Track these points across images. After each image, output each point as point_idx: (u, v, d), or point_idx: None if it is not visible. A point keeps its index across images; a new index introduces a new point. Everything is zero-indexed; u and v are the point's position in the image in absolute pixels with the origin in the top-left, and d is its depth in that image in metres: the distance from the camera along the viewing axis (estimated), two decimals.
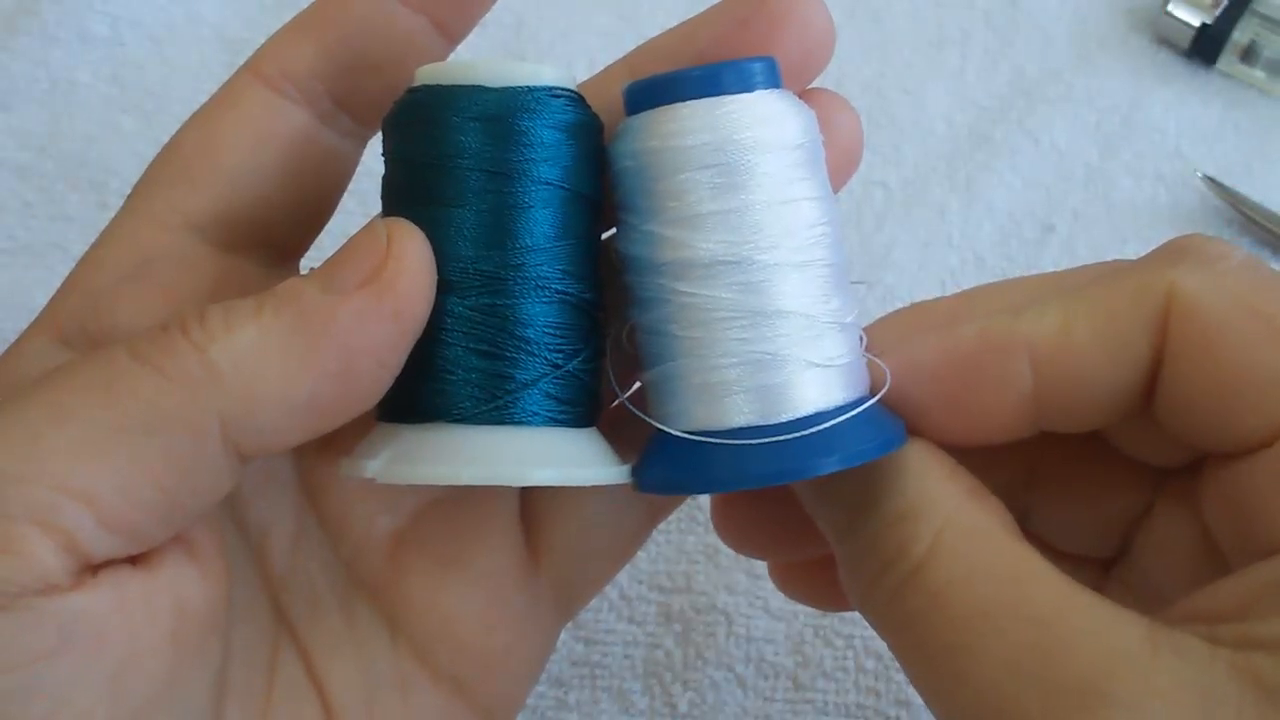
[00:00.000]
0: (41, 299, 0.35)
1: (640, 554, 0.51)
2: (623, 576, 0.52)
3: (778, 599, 0.49)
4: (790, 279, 0.31)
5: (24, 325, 0.34)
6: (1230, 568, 0.31)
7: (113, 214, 0.35)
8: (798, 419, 0.31)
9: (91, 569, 0.28)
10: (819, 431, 0.30)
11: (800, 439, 0.30)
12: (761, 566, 0.51)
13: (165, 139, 0.36)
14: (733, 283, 0.31)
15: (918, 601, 0.30)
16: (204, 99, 0.36)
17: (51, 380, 0.29)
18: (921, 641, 0.30)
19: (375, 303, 0.30)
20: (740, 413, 0.31)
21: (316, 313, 0.30)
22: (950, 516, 0.31)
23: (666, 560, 0.52)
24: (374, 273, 0.30)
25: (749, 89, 0.31)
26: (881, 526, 0.31)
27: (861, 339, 0.33)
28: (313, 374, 0.30)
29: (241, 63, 0.36)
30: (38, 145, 0.60)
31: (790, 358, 0.31)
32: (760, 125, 0.31)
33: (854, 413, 0.31)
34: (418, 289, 0.31)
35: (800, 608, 0.50)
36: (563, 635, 0.49)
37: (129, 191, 0.35)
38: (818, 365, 0.31)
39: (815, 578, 0.40)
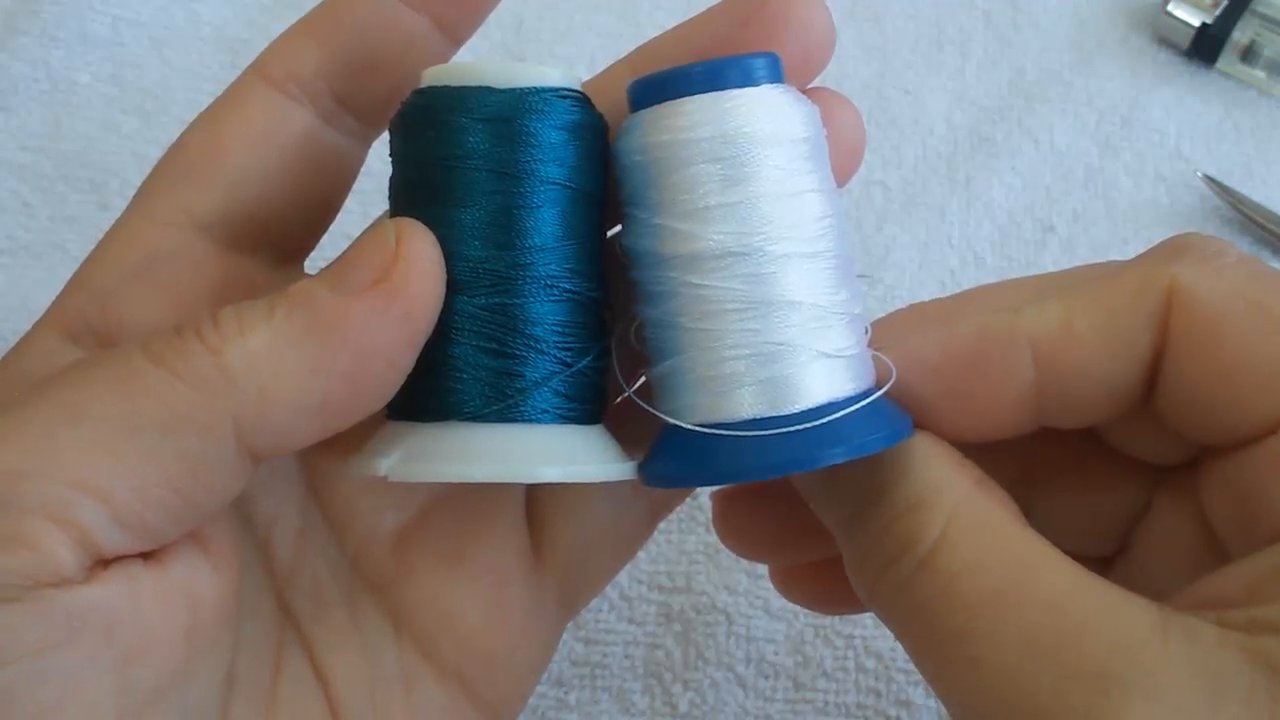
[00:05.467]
0: (41, 299, 0.35)
1: (640, 554, 0.51)
2: (623, 576, 0.52)
3: (778, 599, 0.49)
4: (799, 270, 0.31)
5: (23, 325, 0.35)
6: (1232, 560, 0.31)
7: (113, 214, 0.36)
8: (807, 410, 0.31)
9: (103, 563, 0.29)
10: (828, 422, 0.30)
11: (809, 430, 0.30)
12: (762, 566, 0.51)
13: (165, 139, 0.36)
14: (742, 274, 0.31)
15: (929, 590, 0.30)
16: (204, 99, 0.36)
17: (66, 379, 0.29)
18: (933, 629, 0.30)
19: (386, 304, 0.30)
20: (749, 404, 0.31)
21: (328, 314, 0.30)
22: (959, 505, 0.31)
23: (667, 560, 0.52)
24: (384, 273, 0.30)
25: (753, 84, 0.31)
26: (890, 517, 0.31)
27: (866, 331, 0.33)
28: (325, 375, 0.30)
29: (241, 63, 0.36)
30: (38, 145, 0.60)
31: (800, 348, 0.31)
32: (766, 119, 0.31)
33: (863, 403, 0.31)
34: (428, 289, 0.31)
35: (801, 608, 0.50)
36: (563, 635, 0.49)
37: (129, 191, 0.36)
38: (827, 356, 0.31)
39: (815, 580, 0.40)
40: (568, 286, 0.32)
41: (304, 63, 0.35)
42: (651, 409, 0.33)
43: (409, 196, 0.33)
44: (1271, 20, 0.61)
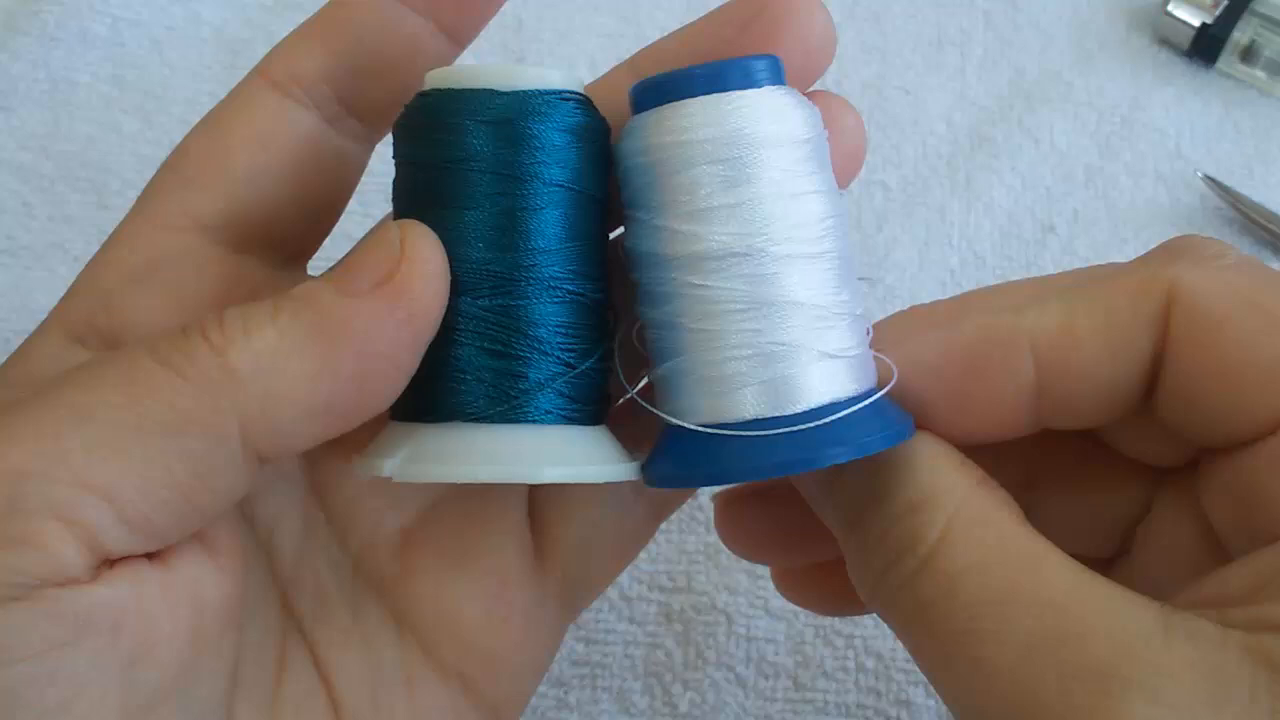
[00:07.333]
0: (41, 299, 0.35)
1: (641, 554, 0.51)
2: (623, 576, 0.52)
3: (778, 599, 0.49)
4: (801, 270, 0.31)
5: (24, 325, 0.35)
6: (1232, 560, 0.31)
7: (113, 214, 0.36)
8: (808, 410, 0.31)
9: (109, 563, 0.29)
10: (829, 422, 0.31)
11: (811, 430, 0.31)
12: (762, 567, 0.51)
13: (165, 139, 0.36)
14: (744, 275, 0.31)
15: (931, 589, 0.30)
16: (204, 99, 0.36)
17: (73, 380, 0.29)
18: (935, 629, 0.30)
19: (390, 305, 0.30)
20: (751, 405, 0.31)
21: (332, 316, 0.30)
22: (961, 505, 0.31)
23: (667, 560, 0.52)
24: (388, 275, 0.30)
25: (755, 85, 0.32)
26: (892, 518, 0.31)
27: (868, 332, 0.33)
28: (329, 377, 0.30)
29: (241, 63, 0.36)
30: (38, 145, 0.60)
31: (802, 348, 0.31)
32: (767, 120, 0.31)
33: (865, 403, 0.31)
34: (432, 291, 0.31)
35: (801, 608, 0.50)
36: None
37: (129, 191, 0.36)
38: (829, 356, 0.31)
39: (817, 582, 0.40)
40: (571, 288, 0.32)
41: (307, 65, 0.35)
42: (654, 410, 0.33)
43: (413, 199, 0.33)
44: (1271, 20, 0.61)
